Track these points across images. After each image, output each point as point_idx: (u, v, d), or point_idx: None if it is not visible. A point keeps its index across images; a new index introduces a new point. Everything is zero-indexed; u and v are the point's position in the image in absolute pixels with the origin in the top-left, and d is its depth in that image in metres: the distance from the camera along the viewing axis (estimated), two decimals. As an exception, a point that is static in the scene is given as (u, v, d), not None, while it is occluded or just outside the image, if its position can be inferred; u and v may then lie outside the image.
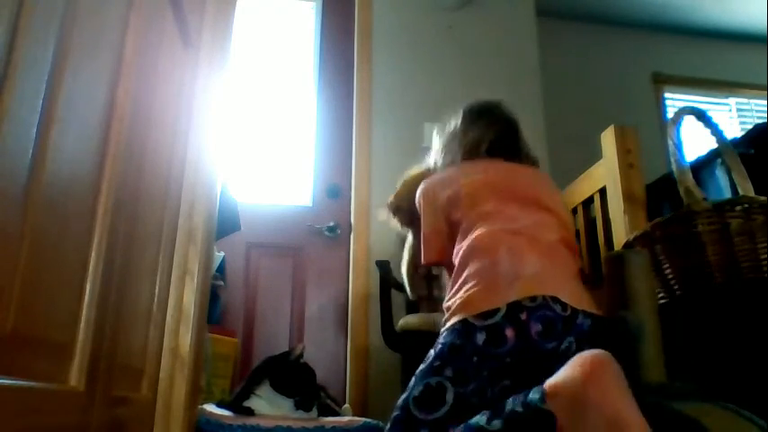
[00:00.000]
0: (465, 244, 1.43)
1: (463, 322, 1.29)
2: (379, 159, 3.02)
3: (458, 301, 1.33)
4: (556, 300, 1.28)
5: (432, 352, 1.33)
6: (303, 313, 2.84)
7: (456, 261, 1.44)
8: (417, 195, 1.68)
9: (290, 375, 1.71)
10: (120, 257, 0.90)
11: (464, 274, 1.37)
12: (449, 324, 1.33)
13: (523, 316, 1.25)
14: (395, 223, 1.97)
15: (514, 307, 1.26)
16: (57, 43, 0.64)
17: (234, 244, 2.69)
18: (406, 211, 1.88)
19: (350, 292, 2.85)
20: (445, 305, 1.38)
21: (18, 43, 0.56)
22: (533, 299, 1.27)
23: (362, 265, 2.85)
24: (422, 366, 1.33)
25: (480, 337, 1.26)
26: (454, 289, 1.38)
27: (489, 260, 1.35)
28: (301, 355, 1.75)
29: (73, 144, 0.71)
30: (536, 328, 1.25)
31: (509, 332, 1.25)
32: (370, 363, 2.73)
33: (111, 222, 0.83)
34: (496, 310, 1.26)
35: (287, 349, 1.78)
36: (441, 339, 1.33)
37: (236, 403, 1.66)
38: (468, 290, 1.33)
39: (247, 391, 1.68)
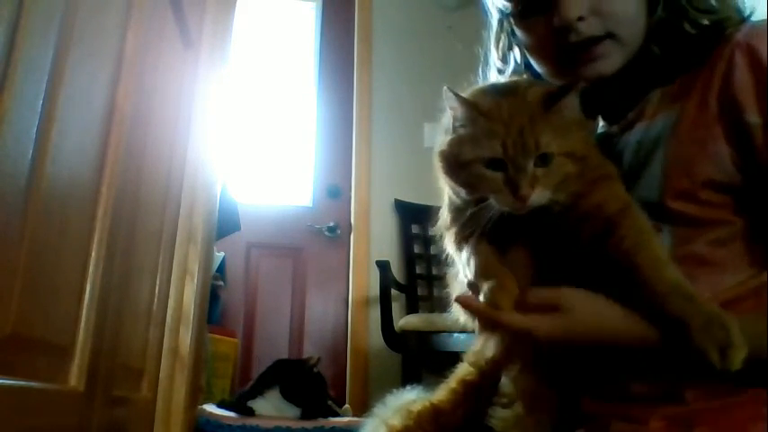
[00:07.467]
0: None
1: None
2: (379, 159, 3.02)
3: None
4: None
5: None
6: (303, 313, 2.84)
7: None
8: None
9: (301, 385, 1.72)
10: (120, 258, 0.90)
11: None
12: None
13: None
14: None
15: None
16: (57, 43, 0.64)
17: (234, 244, 2.69)
18: None
19: (350, 292, 2.85)
20: None
21: (18, 43, 0.56)
22: None
23: (362, 265, 2.85)
24: None
25: None
26: None
27: None
28: (315, 366, 1.76)
29: (73, 145, 0.71)
30: None
31: None
32: (370, 363, 2.73)
33: (111, 223, 0.83)
34: None
35: (292, 352, 1.79)
36: None
37: (241, 401, 1.67)
38: None
39: (255, 392, 1.69)
